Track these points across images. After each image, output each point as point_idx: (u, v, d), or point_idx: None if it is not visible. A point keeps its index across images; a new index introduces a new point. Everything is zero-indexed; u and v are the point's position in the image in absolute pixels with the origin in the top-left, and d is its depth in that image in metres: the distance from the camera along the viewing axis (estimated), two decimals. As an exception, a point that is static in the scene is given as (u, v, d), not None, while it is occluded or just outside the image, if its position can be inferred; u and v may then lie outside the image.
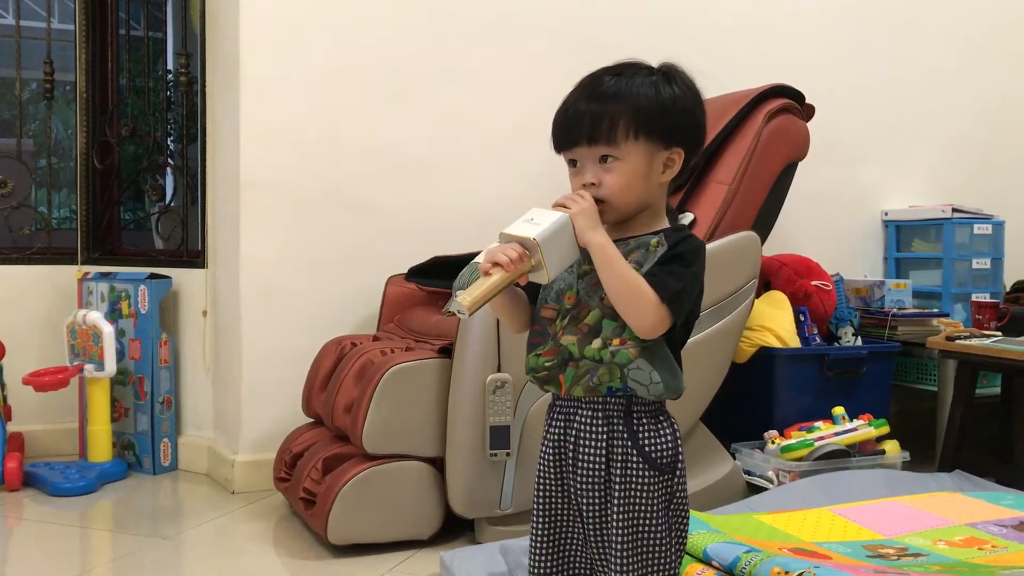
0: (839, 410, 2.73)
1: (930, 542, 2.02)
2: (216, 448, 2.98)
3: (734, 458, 2.66)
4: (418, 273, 2.82)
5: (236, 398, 2.84)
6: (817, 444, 2.60)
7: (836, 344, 3.01)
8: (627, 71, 1.26)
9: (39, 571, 2.23)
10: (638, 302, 1.18)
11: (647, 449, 1.22)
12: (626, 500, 1.22)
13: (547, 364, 1.26)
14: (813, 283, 3.02)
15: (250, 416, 2.82)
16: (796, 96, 2.77)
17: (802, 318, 2.94)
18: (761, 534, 2.01)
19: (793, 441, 2.62)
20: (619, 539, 1.22)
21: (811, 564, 1.66)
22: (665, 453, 1.24)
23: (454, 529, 2.36)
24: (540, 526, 1.30)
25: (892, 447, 2.72)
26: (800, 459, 2.57)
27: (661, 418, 1.25)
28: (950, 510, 2.22)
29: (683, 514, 1.27)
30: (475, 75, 3.05)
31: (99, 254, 3.32)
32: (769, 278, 3.05)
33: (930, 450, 3.02)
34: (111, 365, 2.89)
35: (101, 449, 2.93)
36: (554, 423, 1.29)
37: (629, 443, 1.22)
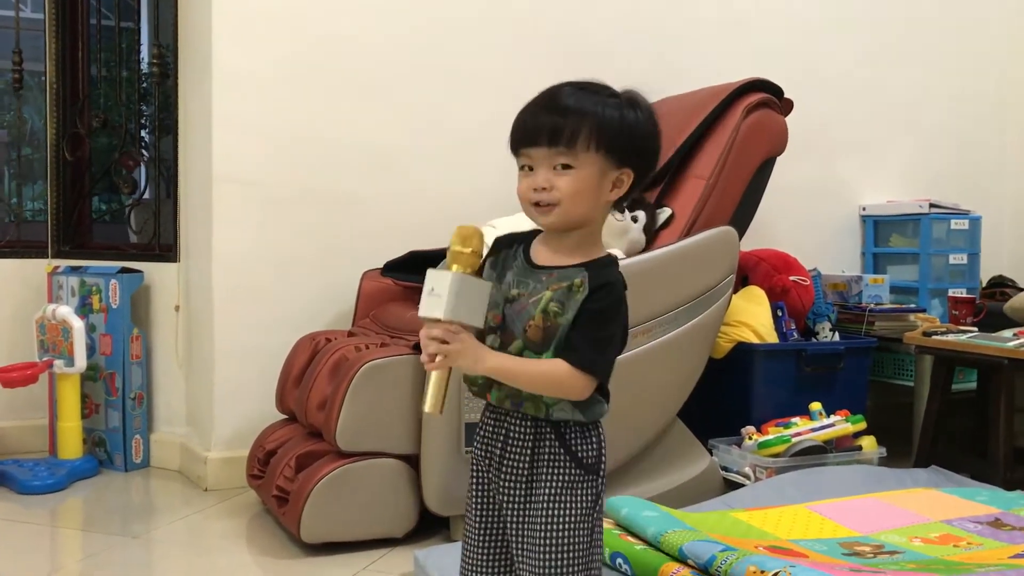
0: (816, 406, 2.72)
1: (906, 539, 2.01)
2: (189, 445, 2.95)
3: (711, 454, 2.66)
4: (394, 268, 2.79)
5: (209, 394, 2.81)
6: (794, 440, 2.59)
7: (813, 339, 3.01)
8: (593, 87, 1.28)
9: (5, 571, 2.18)
10: (561, 388, 1.21)
11: (574, 448, 1.25)
12: (550, 497, 1.23)
13: (479, 380, 1.28)
14: (791, 278, 3.01)
15: (223, 413, 2.79)
16: (775, 91, 2.76)
17: (780, 313, 2.93)
18: (737, 532, 2.00)
19: (770, 437, 2.61)
20: (541, 537, 1.23)
21: (787, 563, 1.65)
22: (590, 453, 1.26)
23: (429, 527, 2.33)
24: (474, 525, 1.32)
25: (869, 443, 2.72)
26: (777, 455, 2.57)
27: (588, 427, 1.27)
28: (926, 507, 2.21)
29: (601, 527, 1.28)
30: (448, 69, 3.02)
31: (70, 247, 3.27)
32: (747, 273, 3.04)
33: (907, 445, 3.02)
34: (81, 361, 2.85)
35: (71, 446, 2.89)
36: (485, 422, 1.31)
37: (557, 443, 1.25)
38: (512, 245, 1.30)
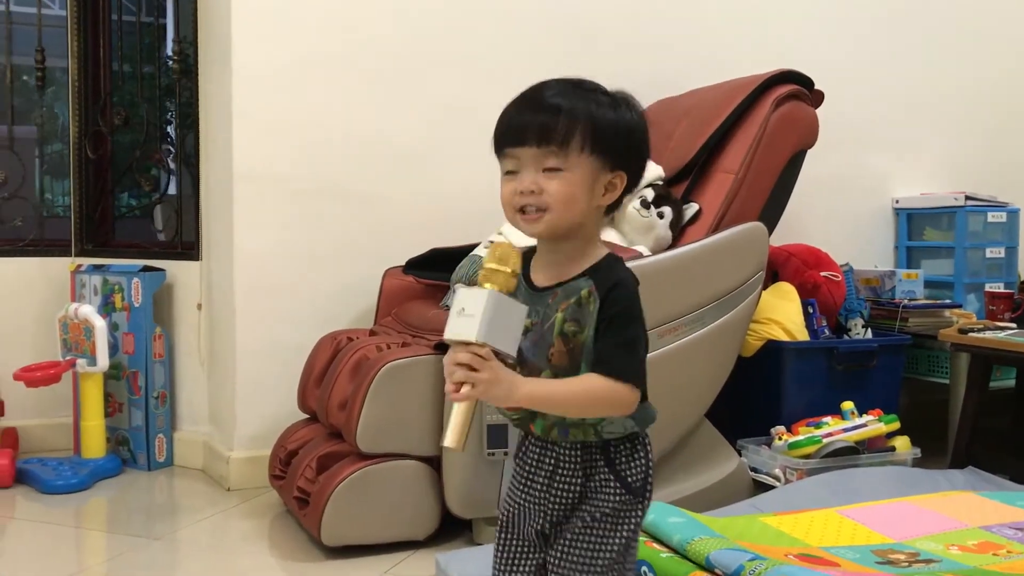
0: (848, 405, 2.66)
1: (942, 547, 1.94)
2: (212, 444, 2.93)
3: (740, 455, 2.60)
4: (416, 265, 2.76)
5: (231, 393, 2.79)
6: (825, 441, 2.53)
7: (845, 337, 2.94)
8: (585, 85, 1.20)
9: (30, 573, 2.17)
10: (604, 404, 1.14)
11: (623, 473, 1.19)
12: (597, 522, 1.18)
13: (515, 417, 1.22)
14: (822, 274, 2.95)
15: (245, 412, 2.77)
16: (805, 82, 2.68)
17: (810, 310, 2.86)
18: (766, 538, 1.95)
19: (801, 437, 2.55)
20: (580, 561, 1.18)
21: (818, 575, 1.59)
22: (638, 475, 1.21)
23: (451, 529, 2.30)
24: (508, 545, 1.27)
25: (903, 443, 2.66)
26: (808, 456, 2.51)
27: (637, 444, 1.22)
28: (963, 512, 2.14)
29: (636, 542, 1.23)
30: (469, 63, 2.98)
31: (93, 246, 3.27)
32: (776, 269, 2.98)
33: (942, 445, 2.94)
34: (103, 360, 2.84)
35: (95, 445, 2.88)
36: (528, 453, 1.24)
37: (606, 469, 1.19)
38: None
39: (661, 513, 1.93)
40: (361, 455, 2.22)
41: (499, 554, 1.28)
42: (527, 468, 1.23)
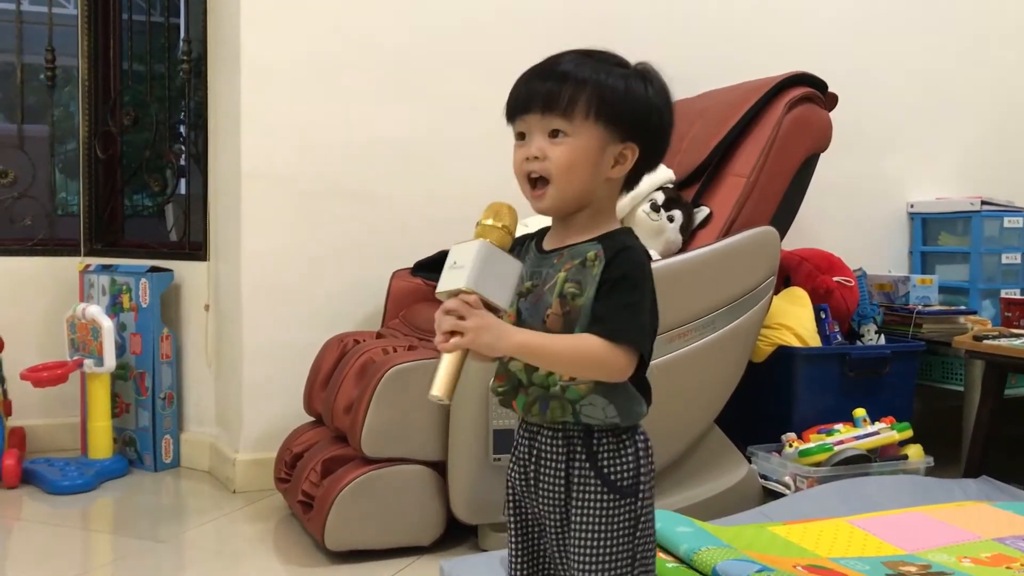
0: (860, 412, 2.63)
1: (955, 559, 1.91)
2: (218, 445, 2.92)
3: (750, 462, 2.57)
4: (424, 267, 2.73)
5: (237, 395, 2.78)
6: (837, 448, 2.50)
7: (858, 343, 2.90)
8: (599, 55, 1.18)
9: (34, 575, 2.17)
10: (596, 364, 1.10)
11: (605, 471, 1.15)
12: (584, 524, 1.14)
13: (500, 390, 1.20)
14: (835, 279, 2.91)
15: (251, 413, 2.75)
16: (818, 84, 2.65)
17: (823, 315, 2.83)
18: (775, 548, 1.92)
19: (812, 445, 2.51)
20: (578, 564, 1.15)
21: (827, 587, 1.57)
22: (626, 475, 1.15)
23: (457, 535, 2.28)
24: (515, 540, 1.25)
25: (915, 452, 2.62)
26: (819, 464, 2.47)
27: (624, 437, 1.16)
28: (976, 523, 2.11)
29: (649, 543, 1.18)
30: (479, 63, 2.95)
31: (102, 245, 3.26)
32: (789, 273, 2.94)
33: (956, 453, 2.90)
34: (110, 360, 2.83)
35: (101, 445, 2.88)
36: (520, 441, 1.22)
37: (587, 464, 1.15)
38: (525, 242, 1.22)
39: (668, 522, 1.91)
40: (366, 459, 2.20)
41: (513, 543, 1.26)
42: (519, 459, 1.22)
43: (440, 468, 2.23)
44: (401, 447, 2.21)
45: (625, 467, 1.15)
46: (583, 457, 1.15)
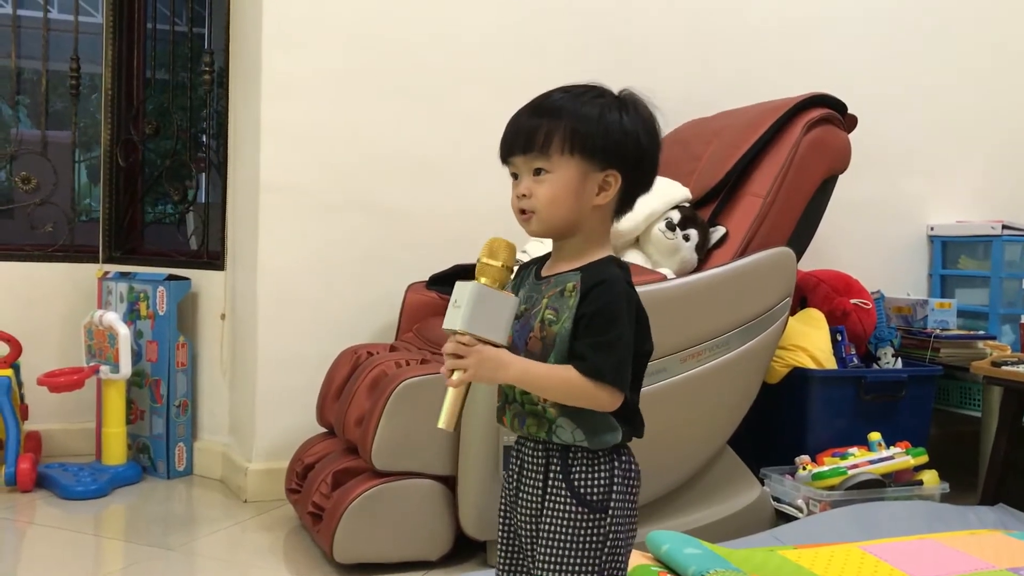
0: (875, 436, 2.60)
1: (968, 588, 1.89)
2: (230, 455, 2.93)
3: (762, 484, 2.55)
4: (439, 281, 2.74)
5: (251, 405, 2.78)
6: (850, 472, 2.47)
7: (875, 366, 2.88)
8: (578, 90, 1.24)
9: (42, 580, 2.19)
10: (583, 397, 1.17)
11: (576, 484, 1.20)
12: (552, 533, 1.20)
13: (497, 405, 1.27)
14: (852, 301, 2.89)
15: (264, 423, 2.76)
16: (838, 106, 2.64)
17: (839, 338, 2.81)
18: (784, 573, 1.90)
19: (825, 468, 2.49)
20: (543, 572, 1.19)
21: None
22: (597, 490, 1.20)
23: (465, 551, 2.27)
24: (503, 554, 1.31)
25: (930, 478, 2.59)
26: (832, 488, 2.45)
27: (600, 455, 1.21)
28: (991, 552, 2.08)
29: (619, 562, 1.22)
30: (497, 77, 2.95)
31: (121, 253, 3.29)
32: (805, 294, 2.93)
33: (972, 479, 2.87)
34: (126, 368, 2.85)
35: (115, 452, 2.89)
36: (512, 455, 1.29)
37: (560, 477, 1.20)
38: (530, 267, 1.29)
39: (677, 543, 1.90)
40: (376, 472, 2.20)
41: (500, 555, 1.31)
42: (510, 472, 1.28)
43: (450, 483, 2.23)
44: (411, 461, 2.20)
45: (597, 484, 1.20)
46: (557, 470, 1.21)
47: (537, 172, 1.21)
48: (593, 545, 1.19)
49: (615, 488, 1.20)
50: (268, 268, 2.76)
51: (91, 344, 2.97)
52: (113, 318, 2.88)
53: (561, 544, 1.19)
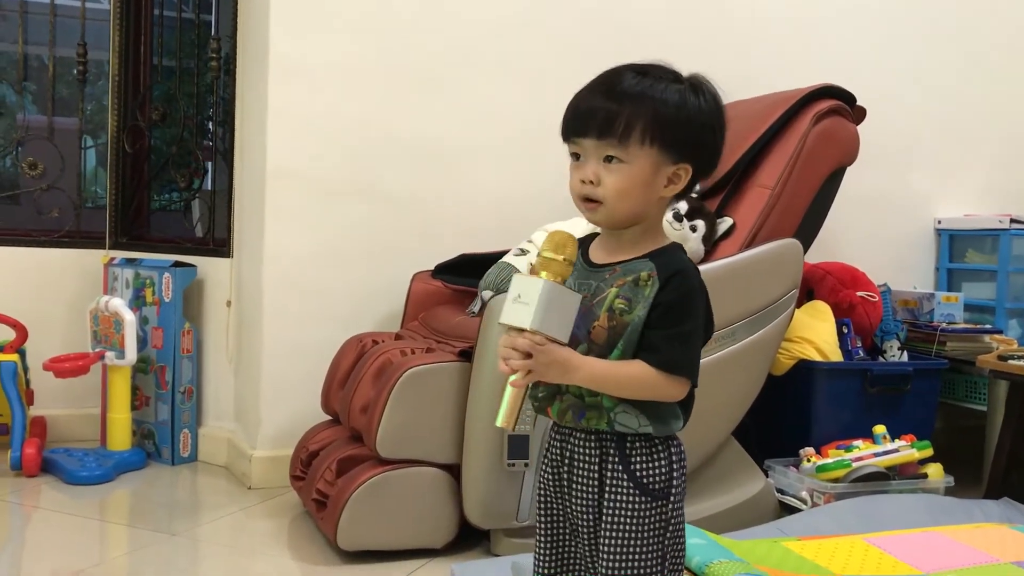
0: (880, 429, 2.60)
1: (971, 581, 1.89)
2: (235, 441, 2.93)
3: (767, 476, 2.55)
4: (445, 270, 2.74)
5: (256, 392, 2.79)
6: (855, 465, 2.47)
7: (880, 359, 2.87)
8: (654, 72, 1.18)
9: (48, 563, 2.19)
10: (654, 391, 1.14)
11: (638, 474, 1.17)
12: (615, 525, 1.17)
13: (540, 395, 1.22)
14: (858, 293, 2.88)
15: (269, 410, 2.76)
16: (846, 97, 2.63)
17: (845, 330, 2.80)
18: (788, 564, 1.90)
19: (830, 460, 2.49)
20: (608, 565, 1.17)
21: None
22: (658, 478, 1.18)
23: (469, 539, 2.27)
24: (543, 538, 1.28)
25: (935, 471, 2.59)
26: (836, 480, 2.45)
27: (657, 443, 1.19)
28: (996, 546, 2.08)
29: (679, 544, 1.21)
30: (508, 64, 2.95)
31: (127, 239, 3.29)
32: (812, 287, 2.92)
33: (977, 473, 2.87)
34: (131, 354, 2.85)
35: (120, 437, 2.90)
36: (552, 443, 1.25)
37: (620, 467, 1.17)
38: None
39: (681, 533, 1.89)
40: (381, 460, 2.20)
41: (540, 543, 1.28)
42: (551, 460, 1.25)
43: (454, 471, 2.23)
44: (416, 449, 2.21)
45: (657, 471, 1.18)
46: (616, 460, 1.18)
47: (608, 159, 1.15)
48: (657, 531, 1.17)
49: (674, 474, 1.19)
50: (274, 255, 2.76)
51: (97, 330, 2.97)
52: (119, 304, 2.88)
53: (626, 534, 1.16)
